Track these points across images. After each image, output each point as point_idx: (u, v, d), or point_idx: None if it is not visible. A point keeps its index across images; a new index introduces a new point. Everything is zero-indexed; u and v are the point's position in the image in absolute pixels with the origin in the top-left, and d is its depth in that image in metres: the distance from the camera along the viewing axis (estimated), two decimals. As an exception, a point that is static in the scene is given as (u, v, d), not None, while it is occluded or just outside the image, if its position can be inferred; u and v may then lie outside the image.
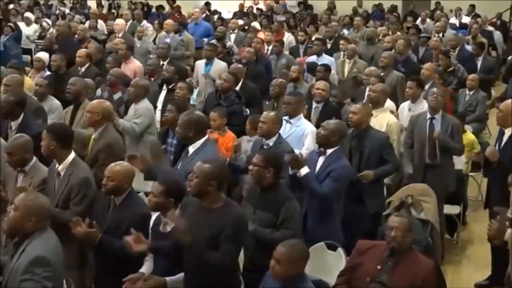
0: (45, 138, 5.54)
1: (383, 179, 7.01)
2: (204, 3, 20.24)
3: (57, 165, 5.55)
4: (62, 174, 5.48)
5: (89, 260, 5.48)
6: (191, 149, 5.90)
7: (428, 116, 7.47)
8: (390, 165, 6.78)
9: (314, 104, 8.41)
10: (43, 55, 10.41)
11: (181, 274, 4.78)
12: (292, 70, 9.90)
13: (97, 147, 6.39)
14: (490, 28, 17.46)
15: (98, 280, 5.37)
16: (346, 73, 11.17)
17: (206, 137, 6.00)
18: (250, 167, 5.33)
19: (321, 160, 6.12)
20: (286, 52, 12.69)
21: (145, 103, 8.05)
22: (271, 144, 6.51)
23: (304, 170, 5.87)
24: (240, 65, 10.11)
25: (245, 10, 21.04)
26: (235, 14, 19.69)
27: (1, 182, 5.67)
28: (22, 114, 6.86)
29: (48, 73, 9.95)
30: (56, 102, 8.36)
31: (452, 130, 7.34)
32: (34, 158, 5.65)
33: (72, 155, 5.56)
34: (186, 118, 5.94)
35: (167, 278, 4.75)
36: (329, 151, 6.11)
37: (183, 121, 5.93)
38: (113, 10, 19.54)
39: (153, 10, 20.53)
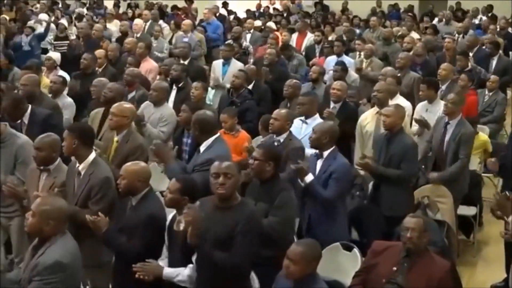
0: (67, 137, 5.56)
1: (387, 180, 6.78)
2: (221, 3, 20.28)
3: (77, 164, 5.55)
4: (82, 173, 5.48)
5: (107, 260, 5.50)
6: (202, 147, 6.03)
7: (446, 120, 7.45)
8: (401, 172, 6.65)
9: (332, 105, 8.41)
10: (54, 55, 10.44)
11: (181, 269, 4.84)
12: (312, 71, 9.89)
13: (126, 149, 6.38)
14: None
15: (116, 282, 5.38)
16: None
17: (217, 135, 6.10)
18: (251, 161, 5.47)
19: (319, 163, 6.16)
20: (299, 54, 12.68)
21: (169, 109, 8.06)
22: (281, 140, 6.61)
23: (309, 178, 5.94)
24: (253, 66, 10.07)
25: (261, 10, 21.07)
26: (249, 13, 19.69)
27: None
28: (29, 108, 6.96)
29: (60, 72, 10.02)
30: (69, 100, 8.48)
31: (460, 139, 7.21)
32: (59, 159, 5.69)
33: (93, 154, 5.57)
34: (196, 118, 6.13)
35: (165, 268, 4.84)
36: (325, 153, 6.14)
37: (194, 120, 6.12)
38: (129, 10, 19.57)
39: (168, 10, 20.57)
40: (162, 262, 5.04)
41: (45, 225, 4.25)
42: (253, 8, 20.88)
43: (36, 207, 4.32)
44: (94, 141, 5.85)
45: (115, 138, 6.53)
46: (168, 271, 4.86)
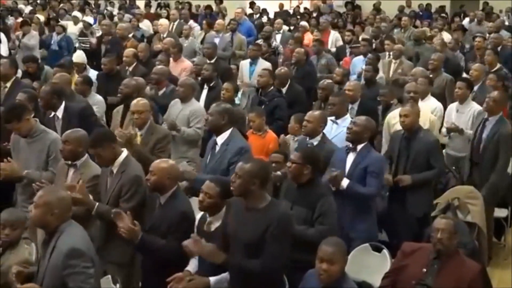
0: (107, 148, 5.52)
1: (424, 184, 6.79)
2: (248, 2, 20.31)
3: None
4: (114, 171, 5.52)
5: (136, 259, 5.52)
6: (219, 140, 6.06)
7: (485, 116, 7.41)
8: (434, 171, 6.67)
9: (350, 105, 8.37)
10: (77, 57, 10.48)
11: (225, 274, 4.79)
12: (335, 73, 9.90)
13: (154, 139, 6.59)
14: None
15: (145, 280, 5.42)
16: (391, 73, 11.08)
17: (232, 128, 6.11)
18: (289, 164, 5.39)
19: (351, 157, 6.09)
20: (328, 53, 12.65)
21: (197, 104, 8.10)
22: (315, 143, 6.52)
23: (345, 183, 5.90)
24: (286, 69, 9.95)
25: (289, 10, 21.05)
26: (276, 14, 19.69)
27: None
28: (63, 104, 7.05)
29: (91, 71, 10.11)
30: (98, 97, 8.64)
31: (499, 139, 7.14)
32: (86, 155, 5.72)
33: (124, 153, 5.60)
34: (219, 107, 6.18)
35: (211, 279, 4.76)
36: (359, 147, 6.10)
37: (215, 110, 6.14)
38: (163, 10, 19.66)
39: (200, 10, 20.65)
40: (193, 261, 5.03)
41: (49, 216, 4.26)
42: (276, 8, 20.85)
43: (39, 199, 4.33)
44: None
45: (139, 133, 6.65)
46: (215, 281, 4.76)
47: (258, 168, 4.64)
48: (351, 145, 6.12)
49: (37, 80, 9.92)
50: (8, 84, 8.26)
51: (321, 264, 4.37)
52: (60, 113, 7.04)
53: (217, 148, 6.07)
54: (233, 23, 13.78)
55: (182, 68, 10.56)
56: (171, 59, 10.63)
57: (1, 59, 8.75)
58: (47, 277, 4.26)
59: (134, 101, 6.88)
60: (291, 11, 21.16)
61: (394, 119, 7.79)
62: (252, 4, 20.54)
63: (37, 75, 10.26)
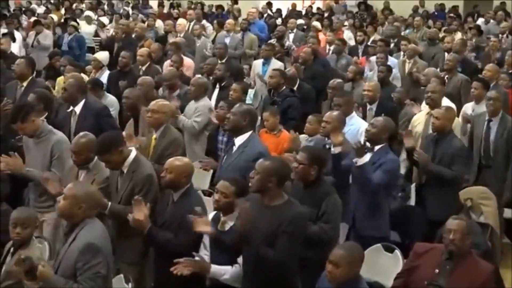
0: (114, 153, 5.50)
1: (438, 179, 6.69)
2: (266, 3, 20.33)
3: None
4: (125, 171, 5.52)
5: (149, 257, 5.56)
6: (238, 142, 6.05)
7: (487, 117, 7.39)
8: (452, 172, 6.55)
9: (368, 106, 8.36)
10: (100, 55, 10.55)
11: (227, 267, 4.86)
12: (348, 71, 9.92)
13: (163, 144, 6.52)
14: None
15: (157, 279, 5.43)
16: (406, 73, 11.05)
17: (251, 132, 6.12)
18: (295, 164, 5.38)
19: (367, 156, 6.07)
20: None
21: (205, 101, 8.20)
22: None
23: (363, 160, 5.87)
24: (294, 69, 9.99)
25: (301, 10, 21.03)
26: (289, 13, 19.68)
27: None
28: (83, 100, 7.07)
29: (108, 71, 10.15)
30: (112, 98, 8.69)
31: (509, 135, 7.18)
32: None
33: (134, 152, 5.62)
34: (242, 108, 6.18)
35: (212, 265, 4.84)
36: (376, 147, 6.12)
37: (238, 110, 6.13)
38: (175, 10, 19.70)
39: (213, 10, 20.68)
40: (205, 257, 5.02)
41: (76, 209, 4.34)
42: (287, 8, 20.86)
43: (69, 191, 4.42)
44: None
45: (153, 136, 6.65)
46: (216, 269, 4.86)
47: (277, 166, 4.73)
48: (369, 145, 6.13)
49: (60, 76, 9.99)
50: (25, 84, 8.30)
51: (328, 265, 4.43)
52: (78, 108, 7.07)
53: (234, 149, 6.07)
54: (244, 22, 13.85)
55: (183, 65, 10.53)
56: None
57: (18, 59, 8.79)
58: (62, 266, 4.35)
59: (155, 101, 6.87)
60: (303, 11, 21.15)
61: (416, 121, 7.81)
62: (269, 5, 20.54)
63: (61, 71, 10.33)
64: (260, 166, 4.73)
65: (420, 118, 7.80)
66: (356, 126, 7.22)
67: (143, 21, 16.04)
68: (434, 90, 7.80)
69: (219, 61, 10.57)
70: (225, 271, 4.87)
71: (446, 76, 9.36)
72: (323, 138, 6.68)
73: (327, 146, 6.48)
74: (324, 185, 5.40)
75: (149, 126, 6.81)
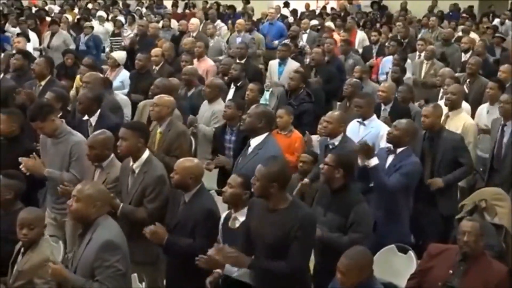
0: (131, 136, 5.54)
1: (455, 184, 6.85)
2: (283, 3, 20.33)
3: (131, 163, 5.57)
4: (136, 171, 5.52)
5: (161, 257, 5.55)
6: (253, 143, 6.03)
7: (502, 121, 7.36)
8: (463, 168, 6.64)
9: (382, 106, 8.32)
10: (117, 55, 10.59)
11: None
12: (355, 70, 9.92)
13: (169, 137, 6.58)
14: None
15: (170, 279, 5.44)
16: (423, 74, 10.99)
17: (268, 133, 6.10)
18: (321, 165, 5.36)
19: (390, 158, 6.12)
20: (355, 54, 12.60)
21: (221, 105, 8.04)
22: (336, 143, 6.51)
23: (374, 161, 5.86)
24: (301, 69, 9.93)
25: (315, 10, 21.00)
26: (303, 13, 19.67)
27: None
28: (99, 110, 6.99)
29: (124, 70, 10.17)
30: (124, 98, 8.73)
31: None
32: (112, 155, 5.73)
33: (147, 152, 5.61)
34: (258, 109, 6.14)
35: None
36: (398, 150, 6.12)
37: (254, 111, 6.10)
38: (193, 10, 19.72)
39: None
40: None
41: (91, 208, 4.34)
42: (303, 8, 20.82)
43: (79, 192, 4.39)
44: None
45: (158, 130, 6.69)
46: (229, 266, 4.75)
47: (276, 171, 4.57)
48: (391, 147, 6.14)
49: (73, 75, 10.02)
50: (43, 83, 8.36)
51: (337, 273, 4.44)
52: (93, 119, 6.89)
53: (250, 150, 6.05)
54: (247, 23, 13.91)
55: (204, 68, 10.56)
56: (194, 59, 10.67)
57: (38, 58, 8.84)
58: (79, 268, 4.35)
59: (162, 96, 6.95)
60: (317, 11, 21.13)
61: None
62: (286, 4, 20.54)
63: (74, 70, 10.33)
64: (259, 172, 4.59)
65: None
66: (376, 129, 7.17)
67: (157, 21, 16.07)
68: (455, 91, 7.75)
69: (238, 61, 10.54)
70: (237, 268, 4.77)
71: (468, 80, 9.27)
72: (325, 138, 6.68)
73: (330, 146, 6.48)
74: (353, 193, 5.27)
75: (152, 119, 6.89)
